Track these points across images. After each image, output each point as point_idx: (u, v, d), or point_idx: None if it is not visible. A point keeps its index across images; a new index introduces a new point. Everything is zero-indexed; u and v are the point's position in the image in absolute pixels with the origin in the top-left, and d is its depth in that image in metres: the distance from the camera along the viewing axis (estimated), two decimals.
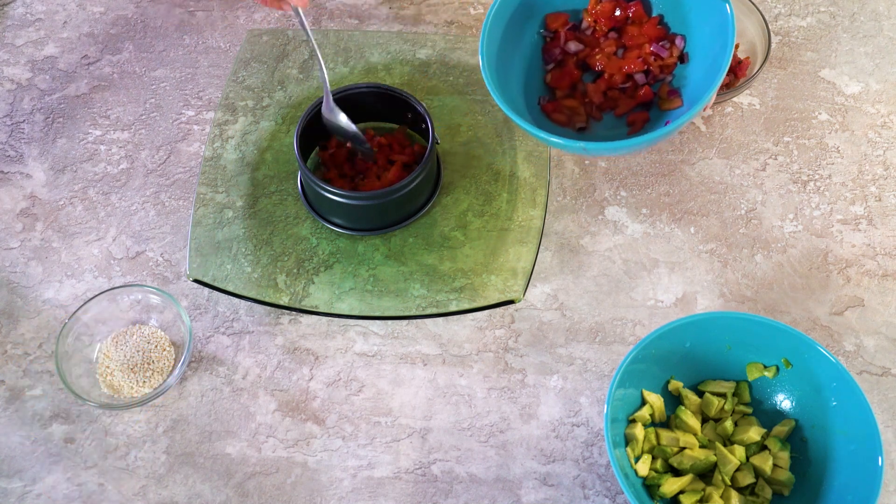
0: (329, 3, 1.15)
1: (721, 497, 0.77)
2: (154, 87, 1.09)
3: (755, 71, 0.99)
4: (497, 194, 0.96)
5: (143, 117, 1.06)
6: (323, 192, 0.91)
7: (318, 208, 0.95)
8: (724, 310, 0.91)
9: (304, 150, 0.94)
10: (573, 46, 0.86)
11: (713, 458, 0.79)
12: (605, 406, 0.76)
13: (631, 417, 0.81)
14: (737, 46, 1.04)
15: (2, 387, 0.88)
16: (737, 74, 1.02)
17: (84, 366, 0.88)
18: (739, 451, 0.79)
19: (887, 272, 0.93)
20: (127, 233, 0.98)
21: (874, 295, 0.92)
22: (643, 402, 0.82)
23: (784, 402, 0.82)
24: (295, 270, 0.92)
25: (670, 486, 0.77)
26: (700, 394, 0.83)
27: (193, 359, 0.90)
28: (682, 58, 0.83)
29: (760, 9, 1.03)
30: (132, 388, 0.87)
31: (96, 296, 0.89)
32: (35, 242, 0.97)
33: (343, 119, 0.94)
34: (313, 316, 0.91)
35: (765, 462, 0.78)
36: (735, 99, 1.05)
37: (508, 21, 0.84)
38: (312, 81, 1.04)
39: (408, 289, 0.91)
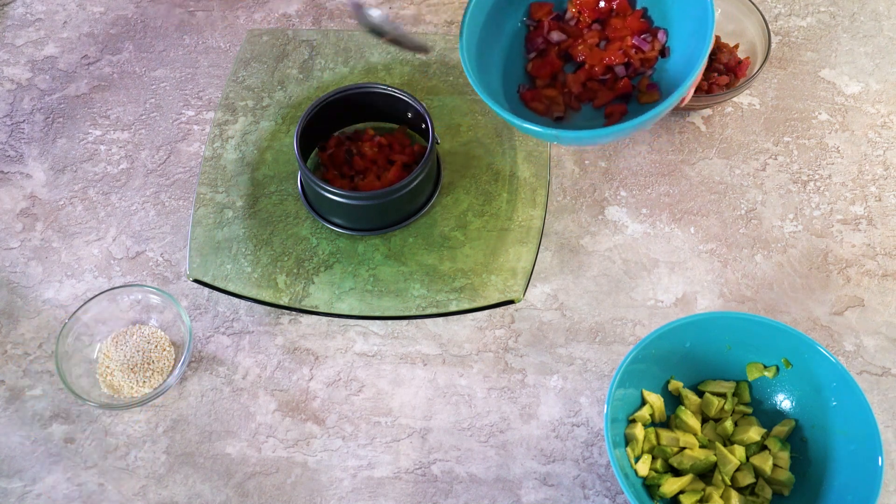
0: (329, 3, 1.15)
1: (721, 497, 0.77)
2: (154, 87, 1.09)
3: (755, 71, 0.99)
4: (497, 194, 0.96)
5: (143, 117, 1.06)
6: (323, 192, 0.90)
7: (318, 208, 0.95)
8: (724, 310, 0.91)
9: (304, 150, 0.94)
10: (556, 36, 0.86)
11: (713, 458, 0.79)
12: (605, 406, 0.76)
13: (631, 417, 0.81)
14: (737, 46, 1.04)
15: (2, 387, 0.88)
16: (737, 74, 1.02)
17: (84, 366, 0.88)
18: (739, 451, 0.79)
19: (887, 272, 0.93)
20: (127, 233, 0.98)
21: (874, 295, 0.92)
22: (643, 402, 0.82)
23: (784, 402, 0.82)
24: (295, 270, 0.92)
25: (670, 486, 0.77)
26: (700, 394, 0.83)
27: (193, 359, 0.89)
28: (664, 52, 0.83)
29: (760, 9, 1.03)
30: (132, 388, 0.87)
31: (96, 296, 0.89)
32: (35, 242, 0.97)
33: (376, 14, 0.86)
34: (313, 316, 0.91)
35: (765, 462, 0.78)
36: (735, 99, 1.04)
37: (492, 7, 0.83)
38: (312, 81, 1.04)
39: (408, 289, 0.91)
